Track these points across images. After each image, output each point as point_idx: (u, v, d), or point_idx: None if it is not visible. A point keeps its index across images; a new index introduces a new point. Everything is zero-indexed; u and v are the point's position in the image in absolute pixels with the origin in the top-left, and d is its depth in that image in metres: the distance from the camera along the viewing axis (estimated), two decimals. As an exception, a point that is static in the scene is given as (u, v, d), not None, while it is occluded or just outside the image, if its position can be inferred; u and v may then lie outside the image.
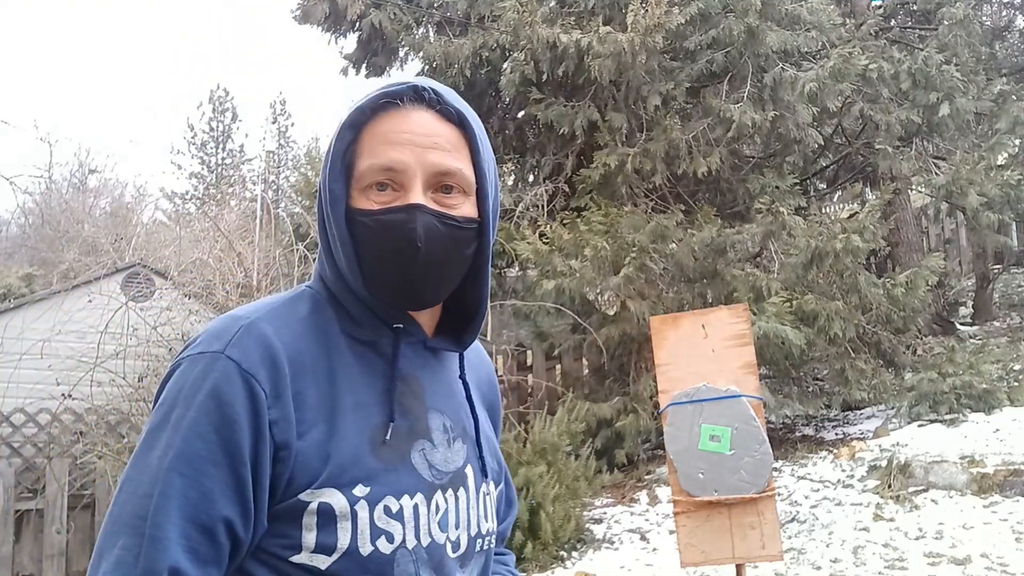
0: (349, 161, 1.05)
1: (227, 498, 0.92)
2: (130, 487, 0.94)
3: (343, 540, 0.96)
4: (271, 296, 1.11)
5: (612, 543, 5.71)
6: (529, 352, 8.11)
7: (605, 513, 6.28)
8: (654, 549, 5.48)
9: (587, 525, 5.98)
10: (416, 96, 1.05)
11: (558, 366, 8.03)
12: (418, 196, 1.02)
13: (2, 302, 10.88)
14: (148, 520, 0.90)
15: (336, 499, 0.96)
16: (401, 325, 1.08)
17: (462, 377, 1.16)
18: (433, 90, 1.06)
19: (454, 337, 1.15)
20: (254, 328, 0.99)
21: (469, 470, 1.11)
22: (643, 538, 5.71)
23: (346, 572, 0.96)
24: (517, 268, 8.33)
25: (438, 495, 1.05)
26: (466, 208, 1.06)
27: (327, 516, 0.96)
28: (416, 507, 1.01)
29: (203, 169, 35.91)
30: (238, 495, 0.93)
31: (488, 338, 6.90)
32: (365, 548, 0.97)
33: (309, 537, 0.95)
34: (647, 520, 6.02)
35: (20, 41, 49.42)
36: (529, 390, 7.81)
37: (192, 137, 35.92)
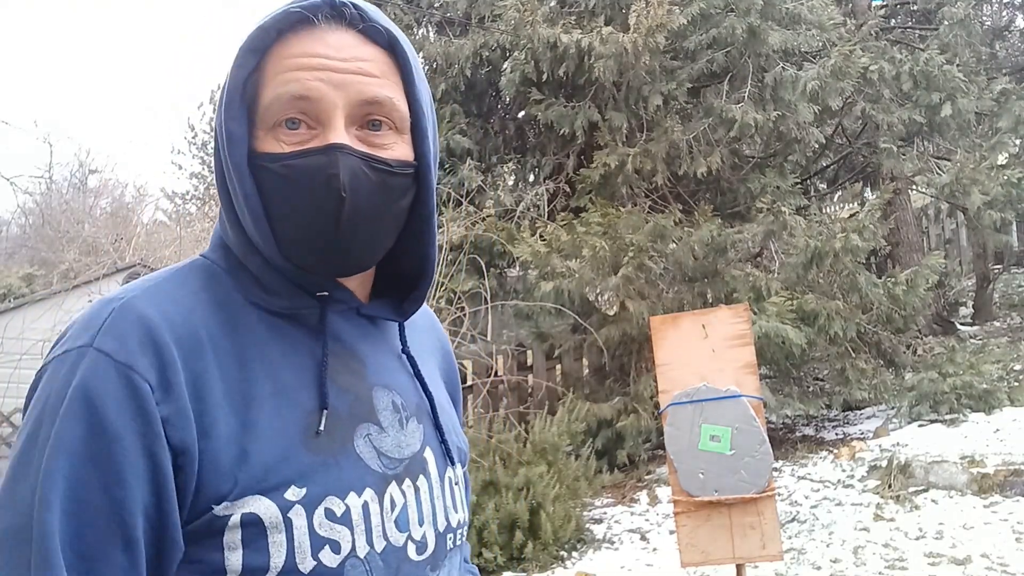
0: (251, 94, 0.84)
1: (114, 535, 0.73)
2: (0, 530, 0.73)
3: (277, 558, 0.77)
4: (155, 272, 0.91)
5: (612, 543, 5.71)
6: (529, 352, 8.11)
7: (605, 513, 6.28)
8: (654, 549, 5.48)
9: (587, 525, 5.98)
10: (334, 12, 0.85)
11: (558, 366, 8.03)
12: (340, 134, 0.82)
13: (2, 302, 10.88)
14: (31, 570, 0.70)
15: (263, 507, 0.77)
16: (326, 292, 0.89)
17: (405, 351, 0.97)
18: (354, 4, 0.86)
19: (393, 305, 0.96)
20: (128, 309, 0.79)
21: (429, 454, 0.93)
22: (643, 538, 5.71)
23: None
24: (517, 268, 8.34)
25: (392, 488, 0.87)
26: (400, 149, 0.87)
27: (254, 529, 0.77)
28: (366, 505, 0.83)
29: (204, 169, 35.94)
30: (123, 528, 0.73)
31: (488, 338, 6.90)
32: (305, 564, 0.78)
33: (234, 559, 0.77)
34: (647, 520, 6.02)
35: (20, 41, 49.45)
36: (529, 390, 7.81)
37: (192, 137, 35.95)
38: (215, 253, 0.91)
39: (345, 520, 0.81)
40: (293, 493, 0.79)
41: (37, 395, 0.79)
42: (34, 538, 0.71)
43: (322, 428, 0.82)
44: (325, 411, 0.83)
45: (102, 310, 0.81)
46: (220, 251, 0.90)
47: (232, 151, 0.84)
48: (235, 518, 0.77)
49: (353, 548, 0.81)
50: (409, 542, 0.88)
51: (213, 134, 0.89)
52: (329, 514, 0.80)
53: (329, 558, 0.80)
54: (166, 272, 0.89)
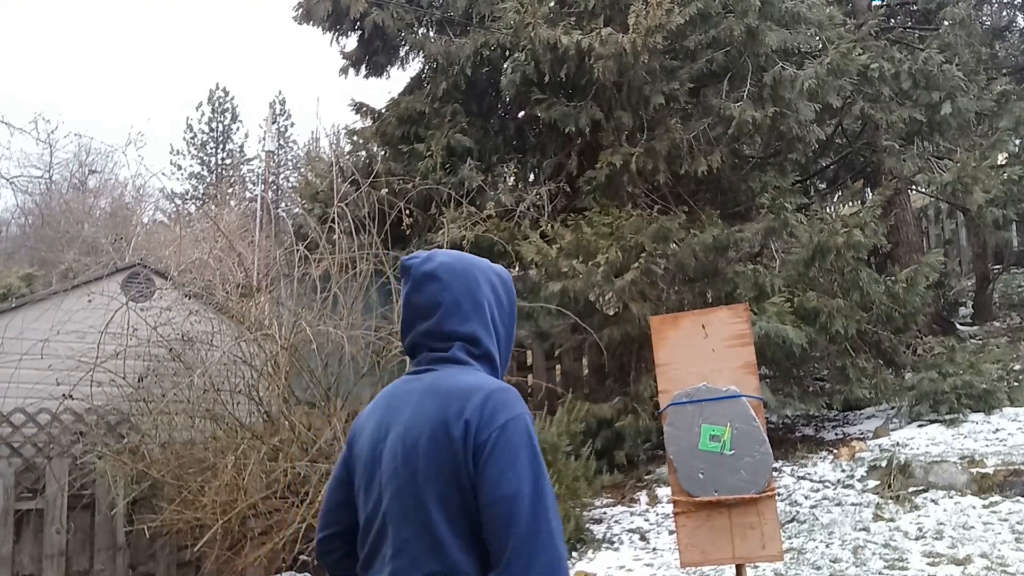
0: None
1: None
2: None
3: None
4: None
5: (612, 543, 5.71)
6: (529, 352, 8.11)
7: (605, 513, 6.28)
8: (654, 549, 5.48)
9: (587, 525, 5.98)
10: None
11: (558, 366, 8.03)
12: None
13: (2, 302, 10.88)
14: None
15: None
16: None
17: None
18: None
19: None
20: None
21: None
22: (643, 538, 5.71)
23: None
24: (517, 268, 8.33)
25: None
26: None
27: None
28: None
29: (203, 169, 35.92)
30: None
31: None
32: None
33: None
34: (647, 520, 6.02)
35: (19, 40, 49.41)
36: (529, 390, 7.81)
37: (192, 137, 35.94)
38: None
39: None
40: None
41: (526, 432, 1.60)
42: (551, 502, 1.57)
43: None
44: None
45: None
46: (488, 365, 1.75)
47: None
48: None
49: None
50: None
51: (504, 302, 1.83)
52: None
53: None
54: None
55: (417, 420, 1.63)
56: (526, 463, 1.55)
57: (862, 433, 6.99)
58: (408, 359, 1.78)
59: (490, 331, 1.75)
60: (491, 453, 1.55)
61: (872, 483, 5.69)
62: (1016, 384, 7.35)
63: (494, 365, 1.75)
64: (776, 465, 6.05)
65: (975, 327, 9.82)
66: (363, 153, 9.68)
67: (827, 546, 4.93)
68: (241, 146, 36.94)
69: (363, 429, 1.74)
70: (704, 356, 3.31)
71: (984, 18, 12.74)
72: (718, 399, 3.23)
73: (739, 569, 3.24)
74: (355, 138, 10.03)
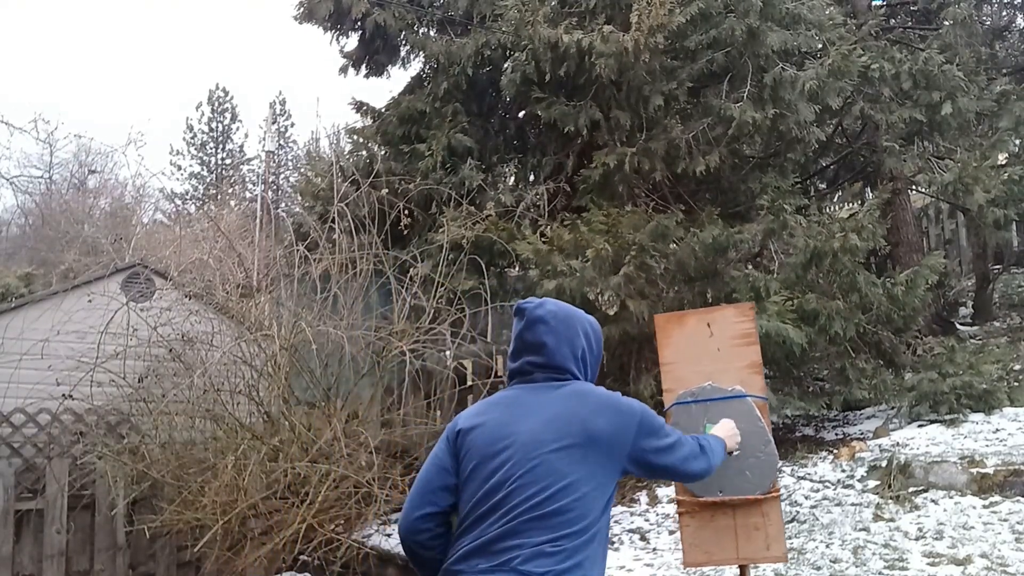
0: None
1: None
2: None
3: None
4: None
5: (612, 543, 5.71)
6: (529, 352, 8.09)
7: (605, 513, 6.27)
8: (654, 549, 5.48)
9: (587, 525, 5.97)
10: None
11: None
12: None
13: (2, 302, 10.87)
14: None
15: None
16: None
17: None
18: None
19: None
20: None
21: None
22: (643, 538, 5.71)
23: None
24: (518, 268, 8.33)
25: None
26: None
27: None
28: None
29: (203, 169, 35.92)
30: None
31: (488, 338, 6.90)
32: None
33: None
34: (647, 520, 6.02)
35: (19, 41, 49.41)
36: (529, 390, 7.80)
37: (192, 137, 35.94)
38: None
39: None
40: None
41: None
42: None
43: None
44: None
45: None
46: None
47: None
48: None
49: None
50: None
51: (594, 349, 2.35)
52: None
53: None
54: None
55: (554, 414, 2.08)
56: (663, 429, 2.27)
57: (862, 433, 6.98)
58: (506, 379, 2.29)
59: (582, 370, 2.25)
60: (646, 427, 2.17)
61: (872, 483, 5.69)
62: (1016, 384, 7.35)
63: None
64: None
65: (975, 327, 9.82)
66: (363, 152, 9.68)
67: (827, 546, 4.93)
68: (241, 146, 36.98)
69: (477, 424, 2.12)
70: (709, 355, 3.27)
71: (984, 18, 12.73)
72: (723, 399, 3.20)
73: (743, 570, 3.23)
74: (355, 137, 10.02)
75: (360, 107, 9.61)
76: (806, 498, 5.76)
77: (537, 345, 2.20)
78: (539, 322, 2.22)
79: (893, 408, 7.30)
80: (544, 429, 2.04)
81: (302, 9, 9.33)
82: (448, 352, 6.51)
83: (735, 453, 2.89)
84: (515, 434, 2.04)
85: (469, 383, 6.55)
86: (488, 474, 2.01)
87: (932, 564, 4.50)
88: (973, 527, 4.84)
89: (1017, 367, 8.03)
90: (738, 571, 3.25)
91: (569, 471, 2.00)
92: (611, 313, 7.10)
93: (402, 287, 6.45)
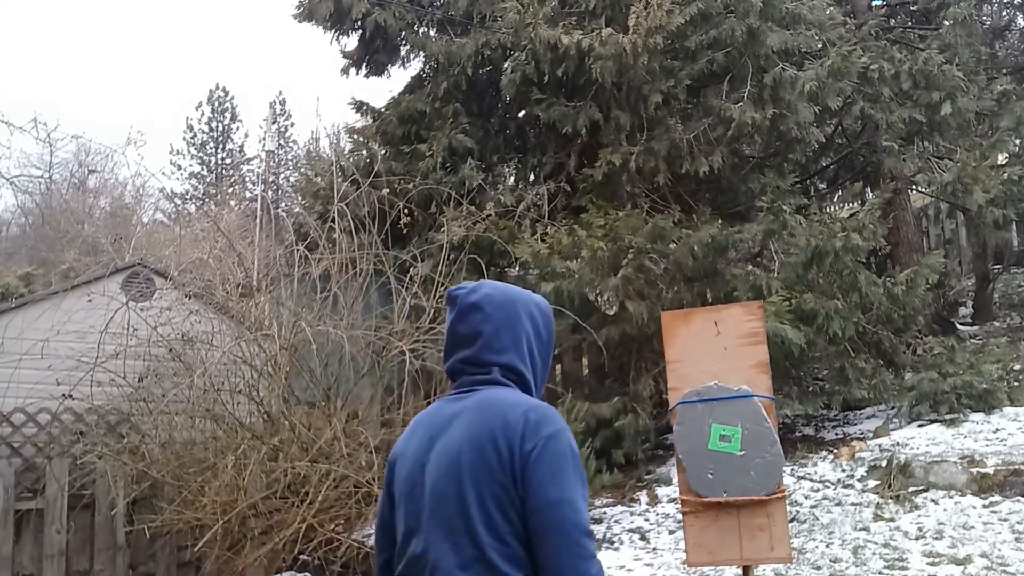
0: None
1: None
2: None
3: None
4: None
5: (612, 543, 5.71)
6: (529, 352, 8.09)
7: (605, 513, 6.28)
8: (654, 549, 5.47)
9: (587, 525, 5.97)
10: None
11: (558, 366, 8.03)
12: None
13: (2, 302, 10.87)
14: None
15: None
16: None
17: None
18: None
19: None
20: None
21: None
22: (643, 538, 5.71)
23: None
24: (518, 268, 8.33)
25: None
26: None
27: None
28: None
29: (203, 169, 35.91)
30: None
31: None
32: None
33: None
34: (647, 520, 6.01)
35: (19, 41, 49.39)
36: (529, 390, 7.80)
37: (192, 137, 35.93)
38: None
39: None
40: None
41: (569, 445, 1.71)
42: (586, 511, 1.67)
43: None
44: None
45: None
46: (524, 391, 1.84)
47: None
48: None
49: None
50: None
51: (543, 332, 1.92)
52: None
53: None
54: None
55: (464, 433, 1.71)
56: (572, 472, 1.67)
57: (862, 433, 6.98)
58: (450, 382, 1.93)
59: (526, 361, 1.86)
60: (538, 460, 1.65)
61: (872, 483, 5.69)
62: (1016, 384, 7.35)
63: (529, 392, 1.85)
64: (776, 465, 6.04)
65: (975, 327, 9.81)
66: (364, 152, 9.67)
67: (827, 546, 4.93)
68: (241, 146, 36.95)
69: (404, 451, 1.83)
70: (716, 354, 3.24)
71: (984, 18, 12.72)
72: (729, 398, 3.17)
73: (746, 571, 3.22)
74: (356, 137, 10.02)
75: (360, 107, 9.61)
76: (806, 498, 5.76)
77: (470, 337, 1.83)
78: (473, 310, 1.84)
79: (893, 408, 7.30)
80: (456, 460, 1.70)
81: (302, 9, 9.33)
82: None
83: (742, 454, 2.87)
84: (428, 465, 1.73)
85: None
86: (408, 516, 1.74)
87: (932, 564, 4.50)
88: (973, 527, 4.84)
89: (1017, 367, 8.03)
90: (740, 571, 3.24)
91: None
92: (610, 314, 7.10)
93: (402, 287, 6.45)
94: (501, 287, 1.90)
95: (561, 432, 1.70)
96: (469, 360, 1.83)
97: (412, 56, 9.79)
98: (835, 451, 6.48)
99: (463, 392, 1.82)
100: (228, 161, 35.74)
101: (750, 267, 7.01)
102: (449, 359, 1.87)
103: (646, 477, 6.84)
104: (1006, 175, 7.95)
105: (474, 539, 1.63)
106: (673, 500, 5.98)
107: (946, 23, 8.93)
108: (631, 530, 5.87)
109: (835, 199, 12.36)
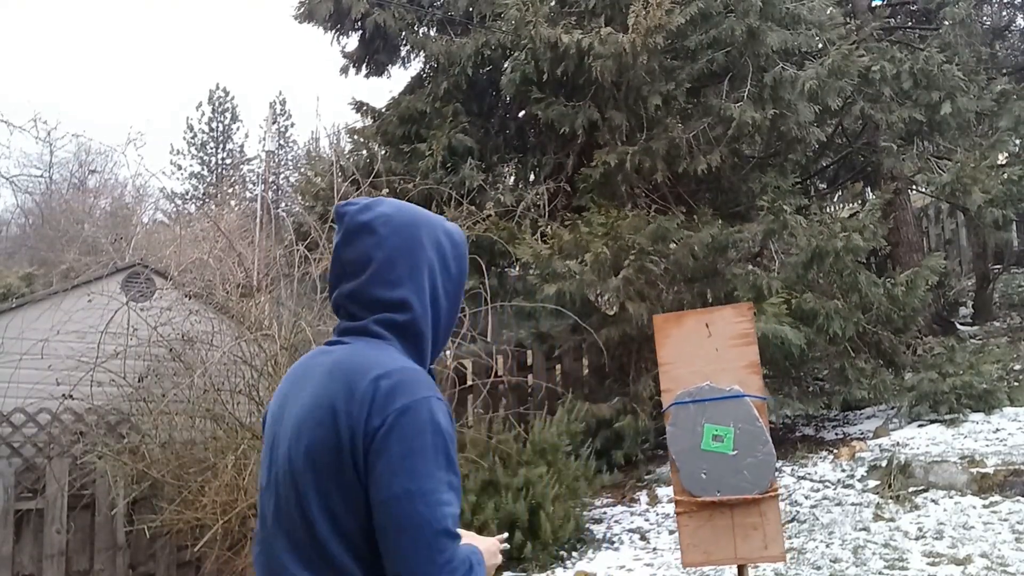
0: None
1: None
2: None
3: None
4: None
5: (612, 543, 5.71)
6: (529, 352, 8.11)
7: (605, 513, 6.28)
8: (654, 549, 5.48)
9: (587, 525, 5.98)
10: None
11: (558, 366, 8.03)
12: None
13: (2, 302, 10.87)
14: None
15: None
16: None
17: None
18: None
19: None
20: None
21: None
22: (643, 538, 5.71)
23: None
24: (518, 268, 8.33)
25: None
26: None
27: None
28: None
29: (203, 169, 35.93)
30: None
31: (488, 338, 6.89)
32: None
33: None
34: (647, 520, 6.02)
35: (19, 41, 49.41)
36: (529, 390, 7.81)
37: (192, 137, 35.95)
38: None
39: None
40: None
41: (429, 420, 1.34)
42: (450, 501, 1.35)
43: None
44: None
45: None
46: (412, 343, 1.50)
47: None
48: None
49: None
50: None
51: (449, 277, 1.54)
52: None
53: None
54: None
55: (307, 406, 1.40)
56: (431, 454, 1.31)
57: (862, 433, 6.99)
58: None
59: (425, 300, 1.48)
60: (384, 442, 1.30)
61: (872, 483, 5.69)
62: (1016, 384, 7.35)
63: (421, 342, 1.49)
64: (776, 465, 6.04)
65: (975, 327, 9.82)
66: (364, 152, 9.68)
67: (827, 546, 4.93)
68: (241, 146, 36.98)
69: (269, 410, 1.54)
70: (707, 355, 3.29)
71: (984, 18, 12.73)
72: (721, 399, 3.22)
73: (741, 569, 3.24)
74: (356, 137, 10.02)
75: (360, 107, 9.62)
76: (806, 498, 5.76)
77: (357, 266, 1.47)
78: (364, 231, 1.48)
79: (893, 408, 7.30)
80: (297, 435, 1.41)
81: (302, 9, 9.33)
82: (448, 352, 6.51)
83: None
84: (280, 433, 1.46)
85: (469, 383, 6.56)
86: (265, 490, 1.47)
87: (932, 564, 4.50)
88: (973, 527, 4.85)
89: (1017, 367, 8.04)
90: (736, 571, 3.26)
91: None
92: (611, 314, 7.11)
93: (402, 287, 6.44)
94: (402, 205, 1.53)
95: (418, 404, 1.32)
96: (353, 295, 1.48)
97: (412, 56, 9.79)
98: (835, 451, 6.49)
99: (332, 343, 1.50)
100: (228, 161, 35.77)
101: (750, 267, 7.01)
102: (333, 292, 1.52)
103: (646, 477, 6.85)
104: (1006, 175, 7.96)
105: (315, 540, 1.35)
106: (673, 500, 5.99)
107: (946, 23, 8.94)
108: (631, 530, 5.88)
109: (835, 199, 12.36)
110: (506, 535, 1.85)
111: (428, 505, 1.30)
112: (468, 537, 1.52)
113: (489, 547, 1.59)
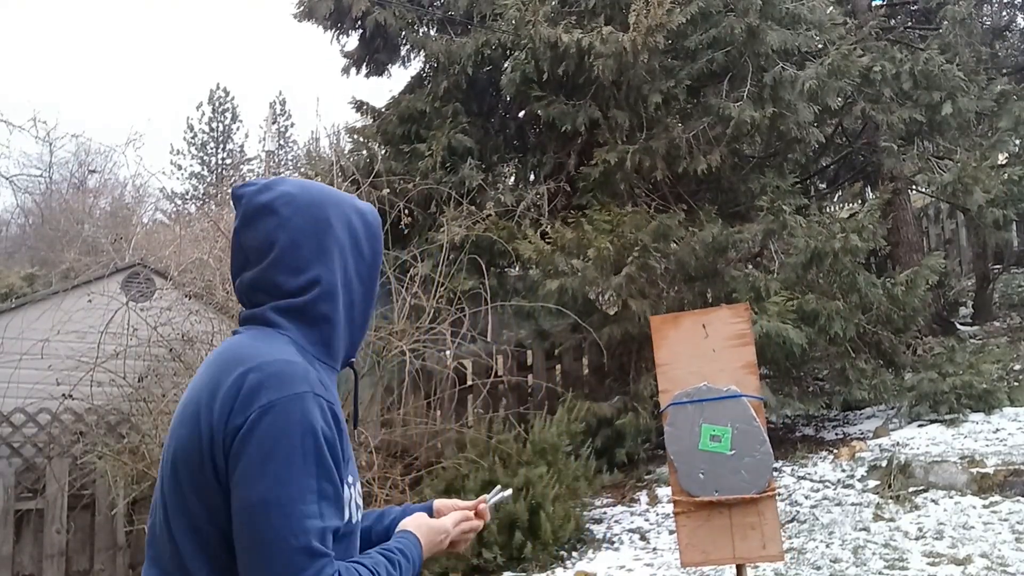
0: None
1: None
2: None
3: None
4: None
5: (612, 543, 5.71)
6: (529, 352, 8.11)
7: (605, 513, 6.28)
8: (654, 549, 5.48)
9: (587, 525, 5.98)
10: None
11: (558, 366, 8.03)
12: None
13: (2, 302, 10.88)
14: None
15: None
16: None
17: None
18: None
19: None
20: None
21: None
22: (643, 538, 5.71)
23: None
24: (518, 268, 8.33)
25: None
26: None
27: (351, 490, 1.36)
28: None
29: (203, 169, 35.95)
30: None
31: (488, 338, 6.89)
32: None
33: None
34: (647, 520, 6.02)
35: (19, 40, 49.41)
36: (529, 390, 7.81)
37: (192, 137, 35.97)
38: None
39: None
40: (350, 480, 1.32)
41: (298, 420, 1.21)
42: (319, 513, 1.21)
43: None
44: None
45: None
46: (318, 331, 1.39)
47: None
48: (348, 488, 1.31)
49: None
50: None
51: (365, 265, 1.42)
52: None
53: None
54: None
55: (183, 401, 1.30)
56: (296, 459, 1.16)
57: (862, 433, 6.99)
58: None
59: (335, 285, 1.35)
60: (243, 445, 1.17)
61: (872, 483, 5.69)
62: (1016, 384, 7.35)
63: (328, 328, 1.35)
64: (776, 465, 6.05)
65: (975, 327, 9.82)
66: (364, 152, 9.67)
67: (827, 546, 4.93)
68: (241, 146, 37.00)
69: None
70: (705, 356, 3.31)
71: (984, 18, 12.73)
72: (719, 399, 3.23)
73: (740, 569, 3.24)
74: (356, 137, 10.02)
75: (360, 106, 9.61)
76: (806, 498, 5.76)
77: (258, 251, 1.33)
78: (264, 213, 1.34)
79: (893, 408, 7.30)
80: (169, 439, 1.30)
81: (302, 7, 9.33)
82: (448, 352, 6.51)
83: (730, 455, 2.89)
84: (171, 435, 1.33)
85: (469, 383, 6.56)
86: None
87: (932, 564, 4.50)
88: (973, 527, 4.85)
89: (1017, 367, 8.04)
90: (735, 571, 3.26)
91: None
92: (612, 313, 7.11)
93: (402, 287, 6.45)
94: (306, 184, 1.41)
95: (287, 401, 1.18)
96: (255, 283, 1.34)
97: (412, 55, 9.79)
98: (835, 451, 6.49)
99: (235, 331, 1.37)
100: (228, 161, 35.78)
101: (750, 267, 7.02)
102: (235, 282, 1.39)
103: (646, 477, 6.85)
104: (1006, 175, 7.96)
105: (176, 553, 1.22)
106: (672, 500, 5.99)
107: (946, 23, 8.93)
108: (631, 530, 5.88)
109: (835, 199, 12.36)
110: (497, 489, 1.75)
111: (286, 517, 1.14)
112: (422, 518, 1.54)
113: (446, 526, 1.54)
